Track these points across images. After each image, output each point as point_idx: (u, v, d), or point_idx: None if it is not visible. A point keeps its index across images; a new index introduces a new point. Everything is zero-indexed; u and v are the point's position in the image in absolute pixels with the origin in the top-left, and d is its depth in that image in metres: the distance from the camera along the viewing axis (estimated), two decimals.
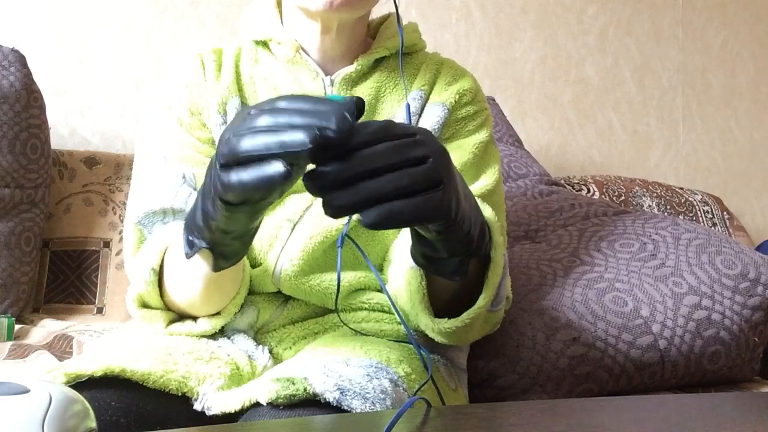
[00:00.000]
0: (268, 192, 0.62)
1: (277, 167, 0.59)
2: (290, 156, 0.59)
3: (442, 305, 0.84)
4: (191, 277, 0.85)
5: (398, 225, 0.65)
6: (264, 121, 0.61)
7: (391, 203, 0.62)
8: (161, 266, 0.88)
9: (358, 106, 0.61)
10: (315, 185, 0.61)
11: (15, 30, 1.76)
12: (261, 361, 0.91)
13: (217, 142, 0.68)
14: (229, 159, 0.62)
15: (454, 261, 0.75)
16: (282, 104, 0.61)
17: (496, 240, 0.81)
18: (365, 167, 0.61)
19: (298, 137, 0.58)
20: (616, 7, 2.32)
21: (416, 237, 0.75)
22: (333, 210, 0.62)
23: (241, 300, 0.92)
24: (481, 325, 0.85)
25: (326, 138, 0.58)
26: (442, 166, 0.65)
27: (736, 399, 0.93)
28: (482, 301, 0.81)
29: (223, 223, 0.70)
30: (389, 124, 0.64)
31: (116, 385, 0.77)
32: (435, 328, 0.84)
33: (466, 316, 0.82)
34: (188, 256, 0.78)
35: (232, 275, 0.87)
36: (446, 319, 0.83)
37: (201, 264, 0.80)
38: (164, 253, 0.88)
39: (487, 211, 0.83)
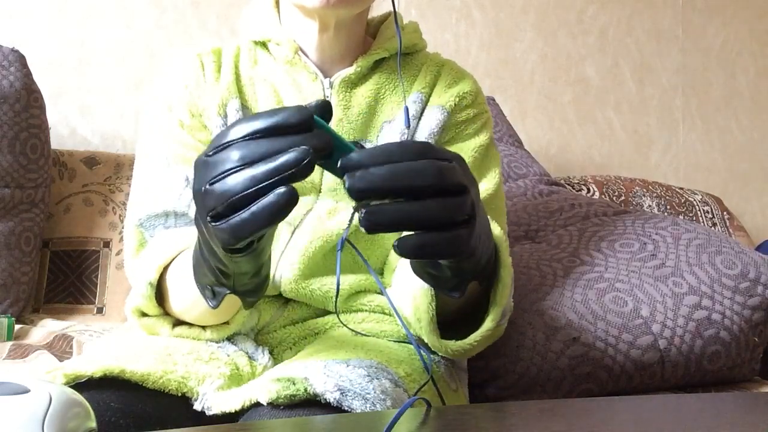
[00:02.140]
0: (279, 219, 0.57)
1: (282, 193, 0.55)
2: (291, 177, 0.56)
3: (448, 319, 0.83)
4: (198, 307, 0.83)
5: (426, 257, 0.63)
6: (234, 156, 0.57)
7: (429, 235, 0.60)
8: (160, 279, 0.87)
9: (324, 108, 0.59)
10: (357, 185, 0.57)
11: (15, 30, 1.76)
12: (261, 362, 0.91)
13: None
14: (221, 209, 0.57)
15: (455, 280, 0.72)
16: (235, 134, 0.57)
17: (505, 260, 0.79)
18: (411, 182, 0.58)
19: (289, 157, 0.55)
20: (616, 7, 2.32)
21: None
22: (370, 224, 0.58)
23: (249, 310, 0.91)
24: (484, 342, 0.84)
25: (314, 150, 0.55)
26: (476, 199, 0.63)
27: (736, 399, 0.93)
28: (490, 323, 0.79)
29: (238, 267, 0.66)
30: (429, 144, 0.61)
31: (116, 385, 0.77)
32: (441, 349, 0.82)
33: (473, 338, 0.80)
34: (215, 306, 0.74)
35: None
36: (453, 341, 0.81)
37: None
38: (163, 268, 0.86)
39: (497, 230, 0.81)
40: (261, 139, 0.56)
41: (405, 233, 0.60)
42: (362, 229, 0.58)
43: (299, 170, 0.55)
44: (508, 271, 0.79)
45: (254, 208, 0.56)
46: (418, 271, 0.71)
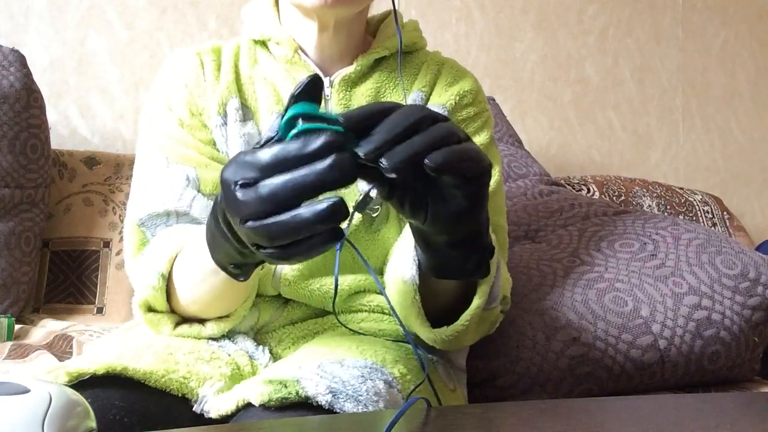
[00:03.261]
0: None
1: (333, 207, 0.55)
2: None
3: (435, 316, 0.84)
4: (207, 284, 0.83)
5: (456, 165, 0.60)
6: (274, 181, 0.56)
7: (447, 147, 0.59)
8: (170, 272, 0.87)
9: (316, 84, 0.59)
10: (371, 154, 0.57)
11: (15, 30, 1.76)
12: (262, 361, 0.91)
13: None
14: (265, 243, 0.58)
15: (473, 259, 0.71)
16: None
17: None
18: (404, 125, 0.58)
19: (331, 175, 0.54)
20: (616, 7, 2.32)
21: (427, 248, 0.72)
22: (395, 165, 0.57)
23: (250, 303, 0.91)
24: (476, 326, 0.84)
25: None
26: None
27: (736, 399, 0.93)
28: (478, 300, 0.81)
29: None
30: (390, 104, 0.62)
31: (119, 384, 0.77)
32: (435, 338, 0.83)
33: (463, 319, 0.81)
34: (246, 279, 0.75)
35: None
36: (445, 327, 0.82)
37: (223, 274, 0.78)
38: (174, 260, 0.86)
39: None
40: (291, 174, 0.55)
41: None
42: (391, 175, 0.58)
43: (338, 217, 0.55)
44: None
45: (304, 246, 0.56)
46: (433, 272, 0.72)
